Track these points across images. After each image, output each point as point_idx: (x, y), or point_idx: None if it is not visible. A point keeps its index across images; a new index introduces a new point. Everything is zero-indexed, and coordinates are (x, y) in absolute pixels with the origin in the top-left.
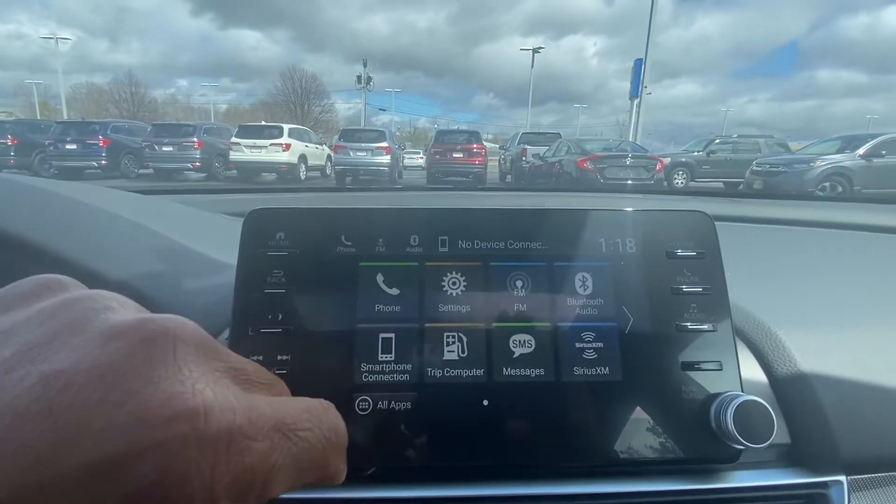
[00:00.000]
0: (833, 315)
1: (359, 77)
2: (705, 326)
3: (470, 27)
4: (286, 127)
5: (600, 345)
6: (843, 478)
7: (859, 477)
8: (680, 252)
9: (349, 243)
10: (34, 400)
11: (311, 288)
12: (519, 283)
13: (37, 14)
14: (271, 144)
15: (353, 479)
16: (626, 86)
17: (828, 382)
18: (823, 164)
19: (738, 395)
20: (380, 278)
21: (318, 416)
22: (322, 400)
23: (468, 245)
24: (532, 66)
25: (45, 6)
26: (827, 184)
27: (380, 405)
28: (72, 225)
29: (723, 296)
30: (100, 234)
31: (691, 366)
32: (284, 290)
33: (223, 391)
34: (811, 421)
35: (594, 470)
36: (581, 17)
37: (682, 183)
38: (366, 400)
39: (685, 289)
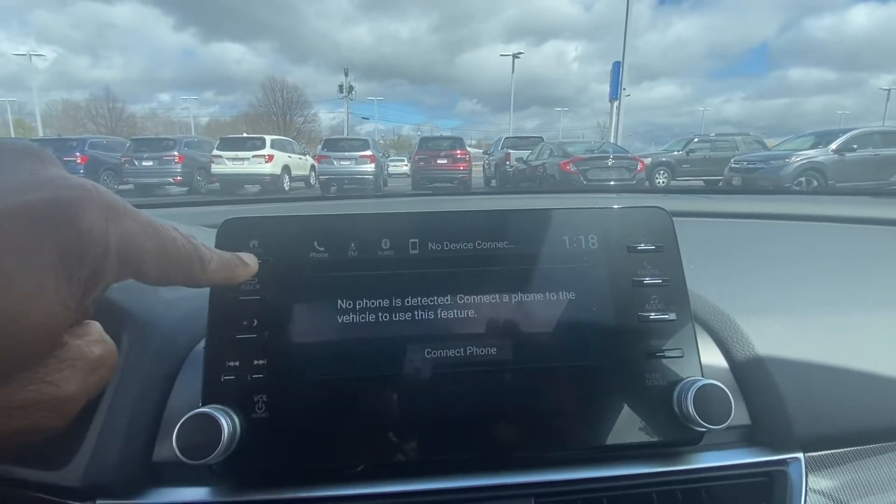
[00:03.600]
0: (790, 301)
1: (341, 86)
2: (666, 316)
3: (452, 35)
4: (268, 138)
5: (567, 337)
6: (800, 455)
7: (817, 454)
8: (640, 246)
9: (322, 249)
10: None
11: (286, 294)
12: (488, 281)
13: (14, 31)
14: (254, 156)
15: (344, 476)
16: (607, 89)
17: (784, 365)
18: (798, 159)
19: (697, 380)
20: (353, 282)
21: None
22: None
23: (438, 247)
24: (513, 72)
25: (23, 23)
26: (802, 179)
27: (357, 405)
28: None
29: (681, 286)
30: None
31: (654, 354)
32: (259, 297)
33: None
34: (769, 402)
35: (565, 458)
36: (560, 23)
37: (663, 182)
38: (342, 400)
39: (646, 281)
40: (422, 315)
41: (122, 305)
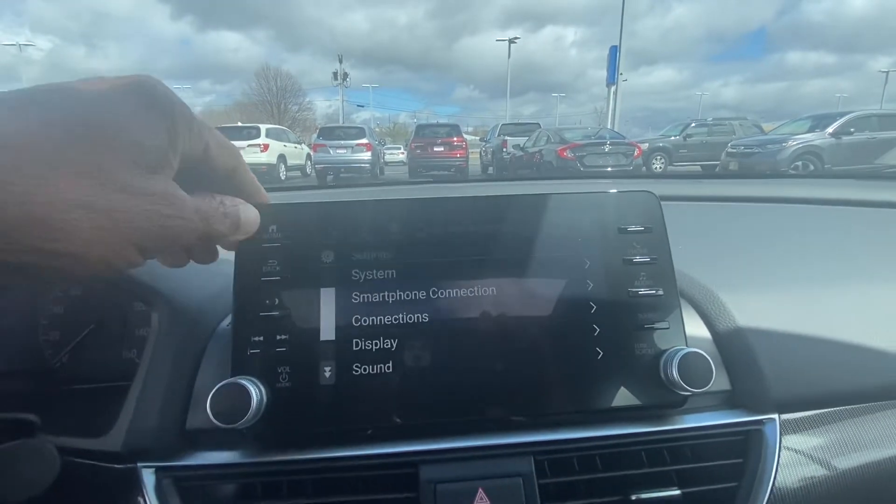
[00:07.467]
0: (769, 277)
1: (335, 73)
2: (653, 291)
3: (449, 21)
4: (263, 127)
5: (563, 311)
6: (775, 416)
7: (791, 416)
8: (630, 228)
9: (336, 233)
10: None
11: (304, 274)
12: (491, 260)
13: (8, 22)
14: (249, 146)
15: (358, 438)
16: (604, 74)
17: (761, 335)
18: (795, 143)
19: (681, 349)
20: (364, 262)
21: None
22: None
23: (442, 231)
24: (509, 57)
25: (16, 13)
26: (799, 163)
27: (370, 374)
28: None
29: (668, 264)
30: None
31: (642, 326)
32: (279, 278)
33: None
34: (747, 369)
35: (562, 421)
36: (559, 8)
37: (660, 167)
38: (358, 369)
39: (635, 259)
40: (430, 291)
41: (153, 287)
